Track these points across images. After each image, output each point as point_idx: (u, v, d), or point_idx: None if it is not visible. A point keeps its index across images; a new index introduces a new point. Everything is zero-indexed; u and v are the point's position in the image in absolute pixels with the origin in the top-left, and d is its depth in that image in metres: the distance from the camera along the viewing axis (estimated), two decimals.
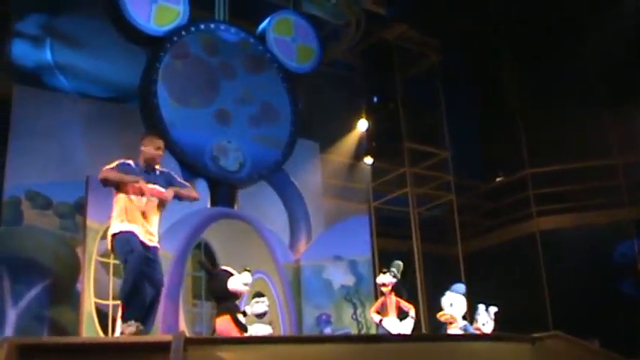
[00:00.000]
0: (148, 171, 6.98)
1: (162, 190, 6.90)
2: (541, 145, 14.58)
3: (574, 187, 14.17)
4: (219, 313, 7.74)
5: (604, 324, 11.30)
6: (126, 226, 6.71)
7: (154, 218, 6.97)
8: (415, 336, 8.69)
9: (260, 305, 8.14)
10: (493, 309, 9.03)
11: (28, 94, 11.49)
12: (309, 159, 14.22)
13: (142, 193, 6.77)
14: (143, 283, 6.60)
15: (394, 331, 8.67)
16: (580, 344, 7.65)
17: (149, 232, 6.87)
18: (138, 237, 6.70)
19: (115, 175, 6.76)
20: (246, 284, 7.75)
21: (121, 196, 6.82)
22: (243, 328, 7.44)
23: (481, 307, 9.03)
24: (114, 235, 6.74)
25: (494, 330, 8.85)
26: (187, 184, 7.36)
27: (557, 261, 13.63)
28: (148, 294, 6.68)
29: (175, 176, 7.30)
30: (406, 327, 8.75)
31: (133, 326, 6.36)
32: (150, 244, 6.83)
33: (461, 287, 9.08)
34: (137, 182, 6.70)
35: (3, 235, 10.53)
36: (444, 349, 7.04)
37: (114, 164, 6.87)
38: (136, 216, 6.78)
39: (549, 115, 14.44)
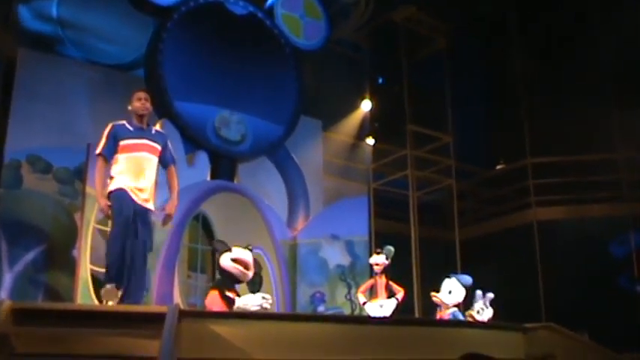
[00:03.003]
0: (143, 128, 7.03)
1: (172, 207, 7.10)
2: (544, 135, 14.56)
3: (574, 179, 14.14)
4: (211, 287, 7.74)
5: (596, 317, 11.34)
6: (119, 184, 6.75)
7: (151, 177, 7.00)
8: (407, 320, 8.73)
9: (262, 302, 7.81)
10: (490, 296, 8.99)
11: (33, 58, 11.43)
12: (311, 136, 14.21)
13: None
14: (126, 249, 6.63)
15: (374, 314, 8.69)
16: (571, 336, 7.70)
17: (144, 191, 6.88)
18: (130, 197, 6.73)
19: (98, 182, 6.88)
20: (235, 260, 7.52)
21: (118, 155, 6.89)
22: (230, 302, 7.40)
23: (478, 293, 9.00)
24: (109, 192, 6.78)
25: (492, 317, 8.86)
26: (171, 159, 7.33)
27: (553, 252, 13.63)
28: (133, 258, 6.71)
29: (169, 146, 7.31)
30: (388, 308, 8.76)
31: (109, 287, 6.46)
32: (144, 204, 6.85)
33: (468, 280, 9.03)
34: (103, 210, 6.81)
35: (2, 197, 10.53)
36: (435, 334, 7.08)
37: (105, 134, 6.90)
38: (131, 175, 6.83)
39: (554, 106, 14.41)
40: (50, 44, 12.07)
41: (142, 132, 7.00)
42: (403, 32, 16.04)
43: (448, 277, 8.99)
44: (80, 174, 10.57)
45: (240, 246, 7.74)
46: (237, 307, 7.31)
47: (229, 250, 7.62)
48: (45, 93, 11.23)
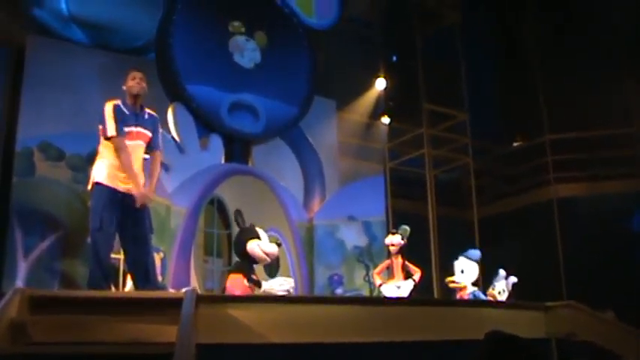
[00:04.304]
0: (137, 112, 6.87)
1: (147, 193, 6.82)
2: (561, 110, 14.47)
3: (593, 154, 14.05)
4: (231, 271, 7.76)
5: (619, 295, 11.29)
6: (107, 177, 6.64)
7: (139, 163, 6.87)
8: (427, 300, 8.75)
9: (283, 286, 7.86)
10: (513, 279, 8.96)
11: (42, 44, 11.39)
12: (325, 117, 14.16)
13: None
14: (109, 256, 6.62)
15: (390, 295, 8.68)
16: (594, 315, 7.67)
17: (136, 167, 6.77)
18: (112, 193, 6.61)
19: (130, 165, 6.66)
20: (266, 253, 7.62)
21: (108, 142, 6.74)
22: (257, 285, 7.45)
23: (501, 272, 8.98)
24: (95, 183, 6.67)
25: (511, 297, 8.86)
26: (160, 144, 7.16)
27: (573, 229, 13.55)
28: (132, 251, 6.71)
29: (159, 129, 7.19)
30: (405, 289, 8.75)
31: None
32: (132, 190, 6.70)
33: (476, 253, 9.01)
34: (131, 180, 6.64)
35: (15, 186, 10.54)
36: (455, 315, 7.09)
37: (111, 116, 6.70)
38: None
39: (571, 80, 14.30)
40: (59, 30, 12.03)
41: (136, 118, 6.85)
42: (415, 7, 15.93)
43: (456, 258, 9.00)
44: (93, 160, 10.57)
45: (264, 230, 7.80)
46: (264, 291, 7.36)
47: (257, 237, 7.65)
48: (55, 79, 11.15)
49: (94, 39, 12.21)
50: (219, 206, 11.43)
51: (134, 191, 6.67)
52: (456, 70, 16.28)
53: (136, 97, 6.91)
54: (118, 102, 6.85)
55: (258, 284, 7.43)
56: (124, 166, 6.67)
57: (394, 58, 17.09)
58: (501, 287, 8.85)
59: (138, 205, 6.65)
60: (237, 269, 7.64)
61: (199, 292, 6.34)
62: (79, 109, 11.18)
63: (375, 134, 15.81)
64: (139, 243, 6.72)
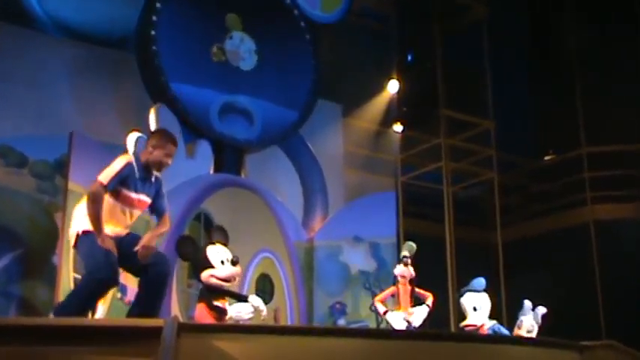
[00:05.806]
0: (145, 178, 6.69)
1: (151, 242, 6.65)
2: (601, 120, 14.44)
3: (637, 170, 14.01)
4: (198, 299, 7.69)
5: None
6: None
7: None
8: (442, 335, 8.65)
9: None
10: (541, 310, 8.84)
11: (5, 32, 11.37)
12: (329, 123, 14.19)
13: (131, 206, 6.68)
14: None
15: (398, 326, 8.60)
16: (637, 357, 7.60)
17: (129, 226, 6.78)
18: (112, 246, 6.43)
19: (95, 216, 6.38)
20: (224, 280, 7.47)
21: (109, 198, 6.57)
22: (220, 313, 7.34)
23: (527, 304, 8.86)
24: (84, 232, 6.47)
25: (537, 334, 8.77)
26: (166, 207, 7.04)
27: (613, 256, 13.52)
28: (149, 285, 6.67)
29: (163, 191, 7.00)
30: (418, 316, 8.66)
31: None
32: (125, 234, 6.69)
33: (481, 282, 8.90)
34: (103, 241, 6.34)
35: None
36: (475, 352, 7.00)
37: (117, 169, 6.46)
38: (119, 219, 6.66)
39: (614, 86, 14.29)
40: (25, 16, 11.98)
41: (143, 185, 6.68)
42: (435, 0, 15.97)
43: (461, 295, 8.89)
44: (61, 167, 10.51)
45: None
46: (230, 318, 7.28)
47: (210, 265, 7.49)
48: (18, 72, 11.17)
49: (66, 28, 12.16)
50: (206, 223, 11.37)
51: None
52: (480, 72, 16.28)
53: (154, 166, 6.73)
54: (132, 161, 6.61)
55: (222, 312, 7.32)
56: (90, 217, 6.41)
57: (409, 58, 17.08)
58: (529, 322, 8.72)
59: (141, 260, 6.59)
60: (199, 296, 7.55)
61: (181, 320, 6.28)
62: (45, 108, 11.18)
63: (386, 144, 15.81)
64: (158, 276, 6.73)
